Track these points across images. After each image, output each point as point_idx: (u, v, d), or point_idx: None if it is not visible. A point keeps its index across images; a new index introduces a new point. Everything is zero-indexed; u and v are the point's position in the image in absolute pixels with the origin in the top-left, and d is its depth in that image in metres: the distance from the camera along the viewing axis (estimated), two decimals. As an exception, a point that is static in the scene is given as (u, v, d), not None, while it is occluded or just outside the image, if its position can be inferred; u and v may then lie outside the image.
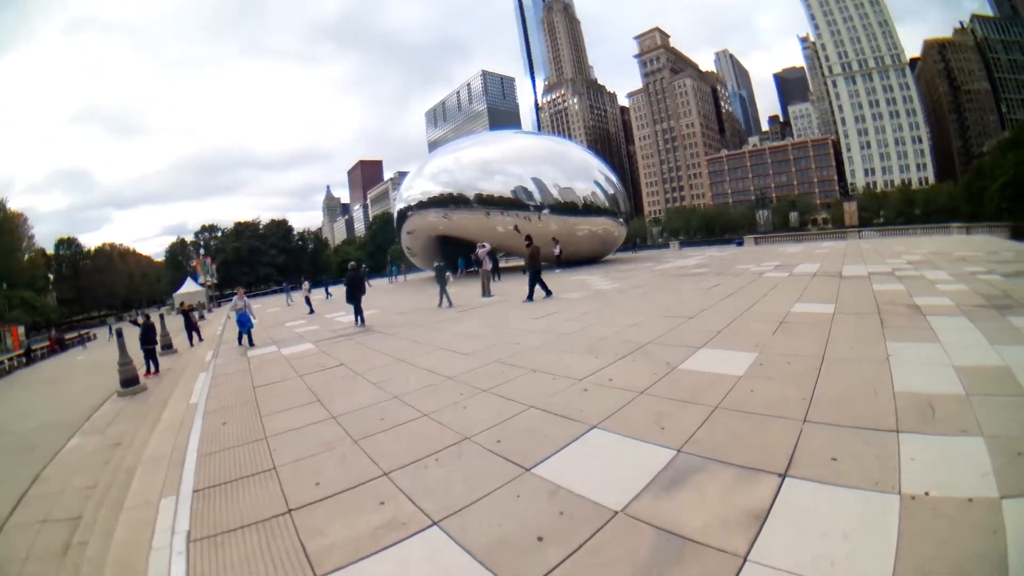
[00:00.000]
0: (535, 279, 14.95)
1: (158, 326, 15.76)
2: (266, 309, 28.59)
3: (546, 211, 27.90)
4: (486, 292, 17.67)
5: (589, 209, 28.64)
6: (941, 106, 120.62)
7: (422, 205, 31.67)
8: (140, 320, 14.32)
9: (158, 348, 14.61)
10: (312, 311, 20.91)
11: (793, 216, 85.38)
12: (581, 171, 29.92)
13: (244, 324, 12.96)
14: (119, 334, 11.58)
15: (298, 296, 32.09)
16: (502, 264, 34.95)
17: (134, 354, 12.05)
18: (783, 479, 3.32)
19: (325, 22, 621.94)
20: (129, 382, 11.31)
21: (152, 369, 13.52)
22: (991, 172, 56.61)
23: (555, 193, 28.02)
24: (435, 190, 30.99)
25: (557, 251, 26.32)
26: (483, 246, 19.06)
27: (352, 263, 16.46)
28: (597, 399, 5.36)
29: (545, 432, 4.59)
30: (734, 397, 4.95)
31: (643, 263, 28.63)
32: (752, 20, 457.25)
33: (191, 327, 18.89)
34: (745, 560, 2.61)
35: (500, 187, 28.62)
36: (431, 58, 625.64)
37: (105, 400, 11.24)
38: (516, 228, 27.43)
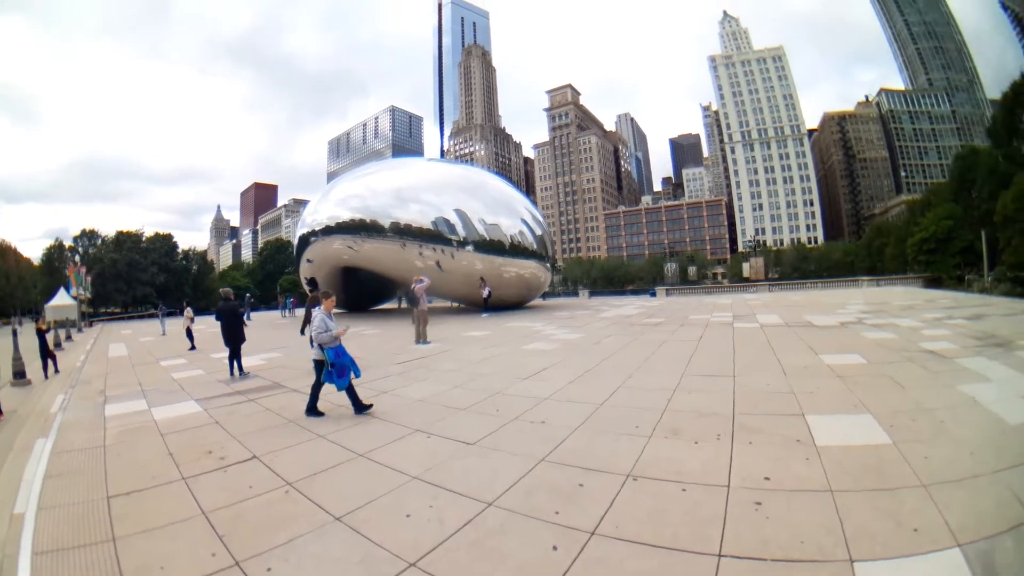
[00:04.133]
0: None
1: (9, 345, 12.48)
2: (137, 338, 23.01)
3: (469, 247, 25.01)
4: (421, 338, 14.37)
5: (517, 250, 26.09)
6: (834, 173, 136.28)
7: (328, 231, 27.58)
8: None
9: None
10: (193, 347, 16.28)
11: (692, 270, 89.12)
12: (505, 206, 27.40)
13: (341, 373, 6.88)
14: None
15: (173, 325, 26.45)
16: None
17: None
18: None
19: (226, 38, 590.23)
20: None
21: None
22: (894, 231, 62.77)
23: (480, 229, 25.26)
24: (344, 215, 27.10)
25: (486, 293, 23.45)
26: (420, 280, 15.54)
27: (226, 289, 12.34)
28: None
29: None
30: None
31: (572, 310, 26.53)
32: (653, 88, 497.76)
33: (46, 353, 13.82)
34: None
35: (418, 217, 25.33)
36: (332, 89, 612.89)
37: None
38: (438, 264, 24.31)
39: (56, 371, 13.92)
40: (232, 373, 10.40)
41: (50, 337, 14.72)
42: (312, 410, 6.88)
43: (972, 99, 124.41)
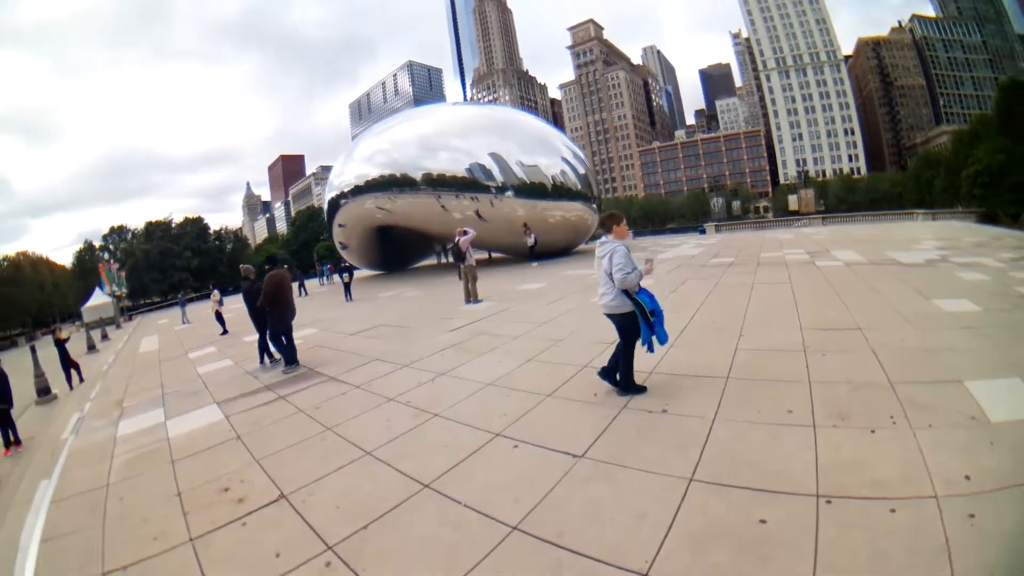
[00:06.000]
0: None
1: (27, 362, 12.20)
2: (172, 327, 22.23)
3: (509, 193, 23.02)
4: (472, 297, 12.69)
5: (560, 192, 23.90)
6: (872, 100, 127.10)
7: (358, 191, 25.95)
8: None
9: (12, 410, 8.61)
10: (225, 331, 15.15)
11: (735, 204, 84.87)
12: (541, 143, 25.02)
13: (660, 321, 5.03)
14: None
15: (197, 310, 25.38)
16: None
17: None
18: None
19: (227, 21, 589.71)
20: None
21: (11, 440, 8.04)
22: (943, 162, 58.25)
23: (518, 172, 23.15)
24: (373, 172, 25.39)
25: (531, 241, 21.64)
26: (465, 232, 13.55)
27: (246, 267, 10.03)
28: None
29: None
30: None
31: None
32: (679, 17, 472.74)
33: (68, 363, 13.15)
34: None
35: (450, 165, 23.44)
36: (339, 55, 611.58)
37: None
38: (478, 214, 22.47)
39: (81, 380, 13.13)
40: (262, 362, 9.17)
41: (75, 341, 13.92)
42: (630, 386, 4.96)
43: (1001, 32, 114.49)
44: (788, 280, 11.07)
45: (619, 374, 4.99)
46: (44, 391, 11.51)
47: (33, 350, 12.26)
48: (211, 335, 15.40)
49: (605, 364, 5.21)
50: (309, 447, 4.90)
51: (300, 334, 12.16)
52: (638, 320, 4.71)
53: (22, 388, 11.26)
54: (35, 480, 5.62)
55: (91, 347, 21.42)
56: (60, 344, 13.49)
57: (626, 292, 4.69)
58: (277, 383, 7.67)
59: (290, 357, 8.38)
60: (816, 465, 3.35)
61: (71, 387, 12.66)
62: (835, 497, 3.00)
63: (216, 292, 18.37)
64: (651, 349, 4.83)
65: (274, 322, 8.38)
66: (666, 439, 4.02)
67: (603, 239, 4.93)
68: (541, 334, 8.25)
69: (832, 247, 17.55)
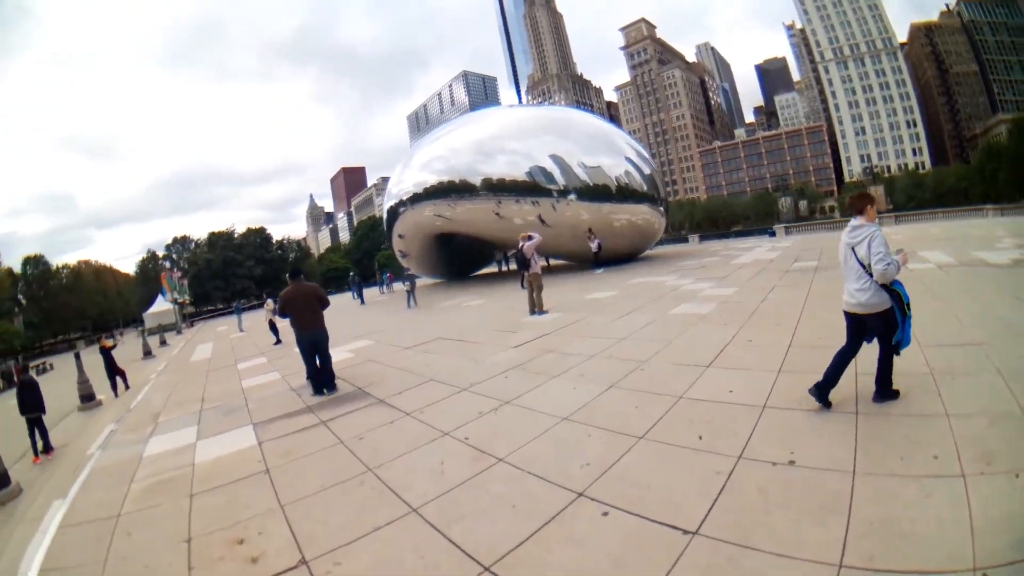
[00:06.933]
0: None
1: (70, 368, 12.68)
2: (229, 335, 22.63)
3: (572, 196, 22.09)
4: (536, 307, 11.85)
5: (625, 194, 22.74)
6: (930, 89, 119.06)
7: (417, 198, 25.69)
8: (17, 373, 8.59)
9: (45, 416, 8.42)
10: (279, 340, 14.91)
11: (802, 204, 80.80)
12: (603, 143, 23.88)
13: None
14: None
15: (254, 318, 25.59)
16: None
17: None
18: None
19: (281, 42, 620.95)
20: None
21: (43, 447, 7.87)
22: (1005, 153, 55.09)
23: (581, 173, 22.17)
24: (431, 179, 25.07)
25: (595, 246, 20.71)
26: (529, 237, 12.56)
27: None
28: None
29: None
30: None
31: (694, 258, 23.15)
32: (730, 12, 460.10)
33: (113, 371, 13.08)
34: None
35: (510, 169, 22.77)
36: (394, 69, 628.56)
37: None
38: (540, 219, 21.68)
39: (127, 387, 13.14)
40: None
41: (133, 346, 14.01)
42: (888, 392, 4.33)
43: None
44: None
45: (877, 380, 4.31)
46: (88, 397, 11.50)
47: (77, 356, 12.48)
48: (264, 344, 15.32)
49: (819, 381, 4.37)
50: (344, 493, 4.17)
51: (353, 346, 11.83)
52: (895, 316, 4.06)
53: (70, 394, 11.65)
54: (50, 498, 5.40)
55: (147, 353, 21.64)
56: (106, 352, 13.51)
57: (882, 284, 4.05)
58: (319, 404, 7.11)
59: (319, 382, 7.69)
60: (971, 528, 2.65)
61: (116, 394, 12.72)
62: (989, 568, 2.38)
63: (270, 301, 18.19)
64: (897, 351, 4.19)
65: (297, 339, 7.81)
66: (802, 503, 3.10)
67: (854, 222, 4.24)
68: (619, 353, 7.29)
69: (917, 247, 15.98)
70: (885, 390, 4.30)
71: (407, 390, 7.06)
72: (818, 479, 3.33)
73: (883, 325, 4.13)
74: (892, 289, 4.06)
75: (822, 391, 4.32)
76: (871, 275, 4.03)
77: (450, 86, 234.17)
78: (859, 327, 4.29)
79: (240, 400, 8.28)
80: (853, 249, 4.16)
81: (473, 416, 5.50)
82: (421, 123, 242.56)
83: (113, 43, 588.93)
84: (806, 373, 5.07)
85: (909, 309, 4.09)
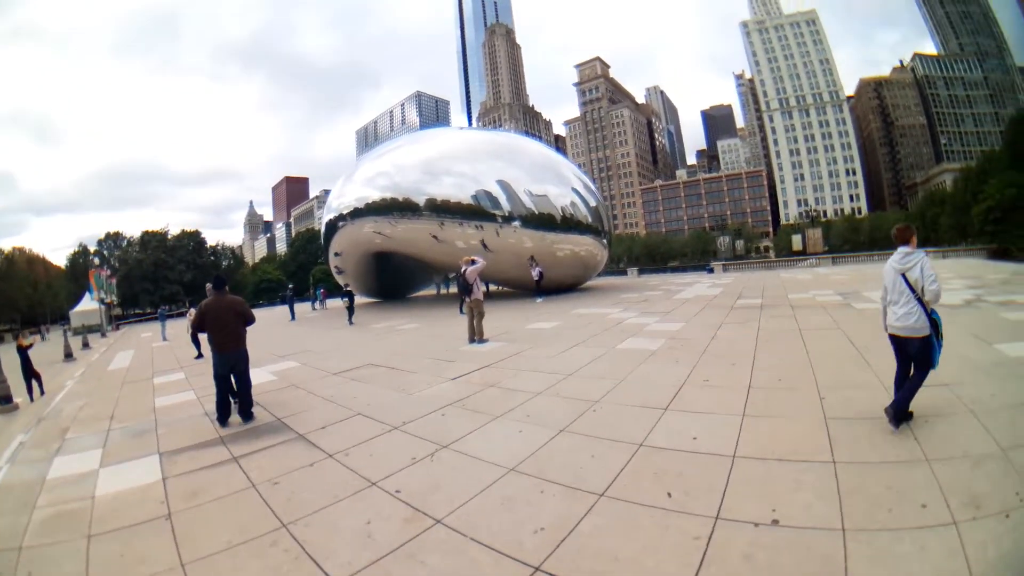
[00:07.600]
0: None
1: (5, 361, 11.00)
2: (151, 343, 20.65)
3: (517, 223, 21.77)
4: (477, 336, 11.20)
5: (569, 224, 22.66)
6: (872, 140, 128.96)
7: (357, 213, 24.71)
8: None
9: None
10: (200, 354, 13.32)
11: (739, 244, 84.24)
12: (551, 172, 23.92)
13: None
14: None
15: (178, 327, 23.67)
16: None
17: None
18: None
19: (236, 41, 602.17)
20: None
21: None
22: (948, 199, 58.27)
23: (527, 201, 21.93)
24: (373, 195, 24.17)
25: (537, 274, 20.29)
26: (473, 262, 12.03)
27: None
28: None
29: None
30: None
31: (635, 291, 23.12)
32: (682, 58, 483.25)
33: (30, 373, 12.10)
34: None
35: (456, 191, 22.23)
36: (345, 84, 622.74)
37: None
38: (483, 244, 21.17)
39: (42, 392, 12.03)
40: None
41: (55, 346, 12.73)
42: (905, 413, 4.48)
43: (1002, 65, 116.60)
44: (836, 325, 9.93)
45: (899, 400, 4.46)
46: (5, 399, 10.45)
47: None
48: (185, 358, 13.97)
49: (894, 401, 4.48)
50: (255, 555, 3.38)
51: (277, 367, 10.82)
52: (933, 342, 4.39)
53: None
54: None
55: (68, 355, 20.15)
56: (23, 351, 12.31)
57: (925, 310, 4.41)
58: (232, 435, 6.19)
59: (227, 412, 6.77)
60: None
61: (31, 398, 11.72)
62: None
63: (193, 311, 16.44)
64: (935, 365, 4.55)
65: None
66: (794, 571, 2.77)
67: (904, 249, 4.55)
68: (568, 391, 6.73)
69: (860, 288, 16.56)
70: (905, 412, 4.48)
71: (331, 424, 6.23)
72: (806, 540, 3.02)
73: (925, 350, 4.40)
74: (933, 316, 4.38)
75: (899, 410, 4.42)
76: (919, 300, 4.36)
77: (402, 105, 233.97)
78: (903, 349, 4.59)
79: (150, 421, 7.31)
80: (904, 275, 4.45)
81: (406, 462, 4.73)
82: (370, 139, 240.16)
83: (66, 19, 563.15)
84: (772, 417, 4.87)
85: (942, 337, 4.42)
